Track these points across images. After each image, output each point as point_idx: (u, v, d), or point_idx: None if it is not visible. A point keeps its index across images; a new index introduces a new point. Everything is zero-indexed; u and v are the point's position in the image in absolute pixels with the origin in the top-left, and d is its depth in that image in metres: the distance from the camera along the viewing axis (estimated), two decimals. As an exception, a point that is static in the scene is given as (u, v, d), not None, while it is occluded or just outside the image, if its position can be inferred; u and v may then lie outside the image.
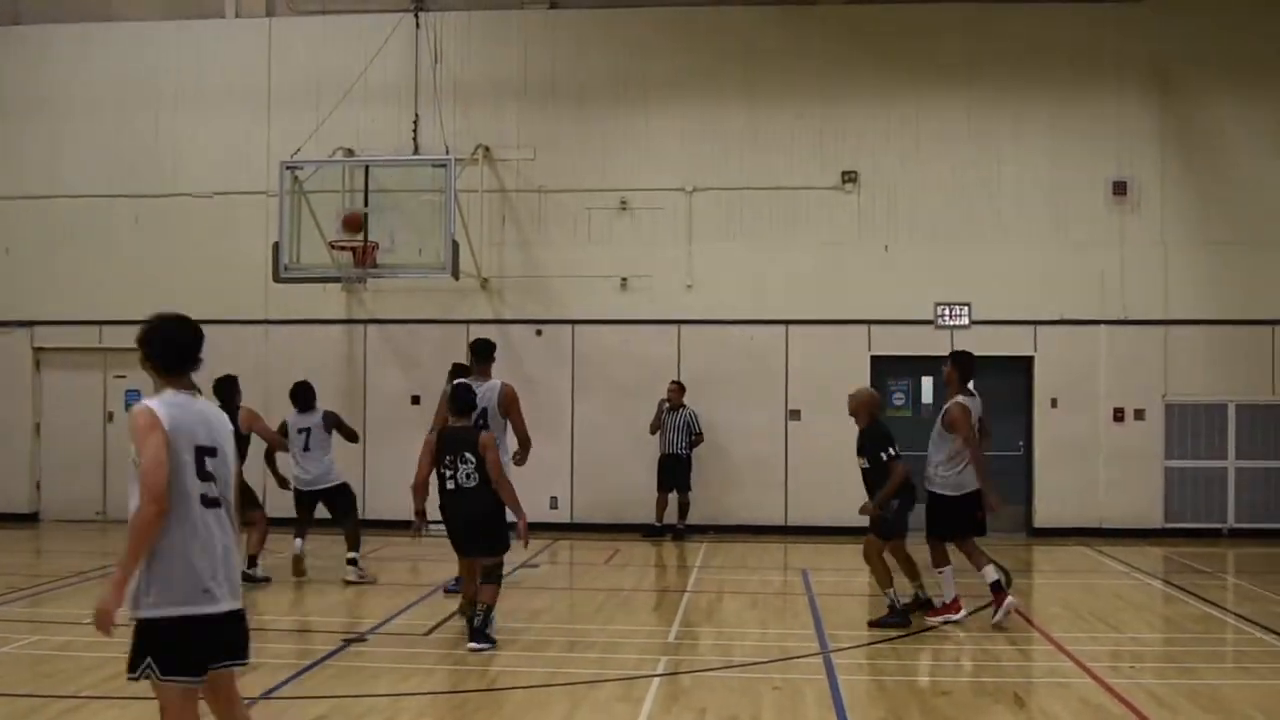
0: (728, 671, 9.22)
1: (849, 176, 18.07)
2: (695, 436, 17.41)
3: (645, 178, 18.18)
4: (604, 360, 18.11)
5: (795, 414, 17.72)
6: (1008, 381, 17.68)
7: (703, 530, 17.59)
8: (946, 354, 12.04)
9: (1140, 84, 17.83)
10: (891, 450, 10.91)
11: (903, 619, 10.97)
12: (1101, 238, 17.76)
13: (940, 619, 11.06)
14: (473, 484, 9.83)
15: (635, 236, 18.20)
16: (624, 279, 18.11)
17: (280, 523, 13.96)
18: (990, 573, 10.93)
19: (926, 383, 17.98)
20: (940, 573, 11.17)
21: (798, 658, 9.74)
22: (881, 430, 11.10)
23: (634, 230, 18.22)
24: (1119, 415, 17.73)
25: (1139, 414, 17.72)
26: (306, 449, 13.39)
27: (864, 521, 11.19)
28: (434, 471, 10.03)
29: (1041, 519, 17.70)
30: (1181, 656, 10.34)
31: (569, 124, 18.34)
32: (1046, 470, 17.75)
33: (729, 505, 17.92)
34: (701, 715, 7.99)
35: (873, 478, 11.00)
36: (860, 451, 11.10)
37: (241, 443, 12.59)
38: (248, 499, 12.74)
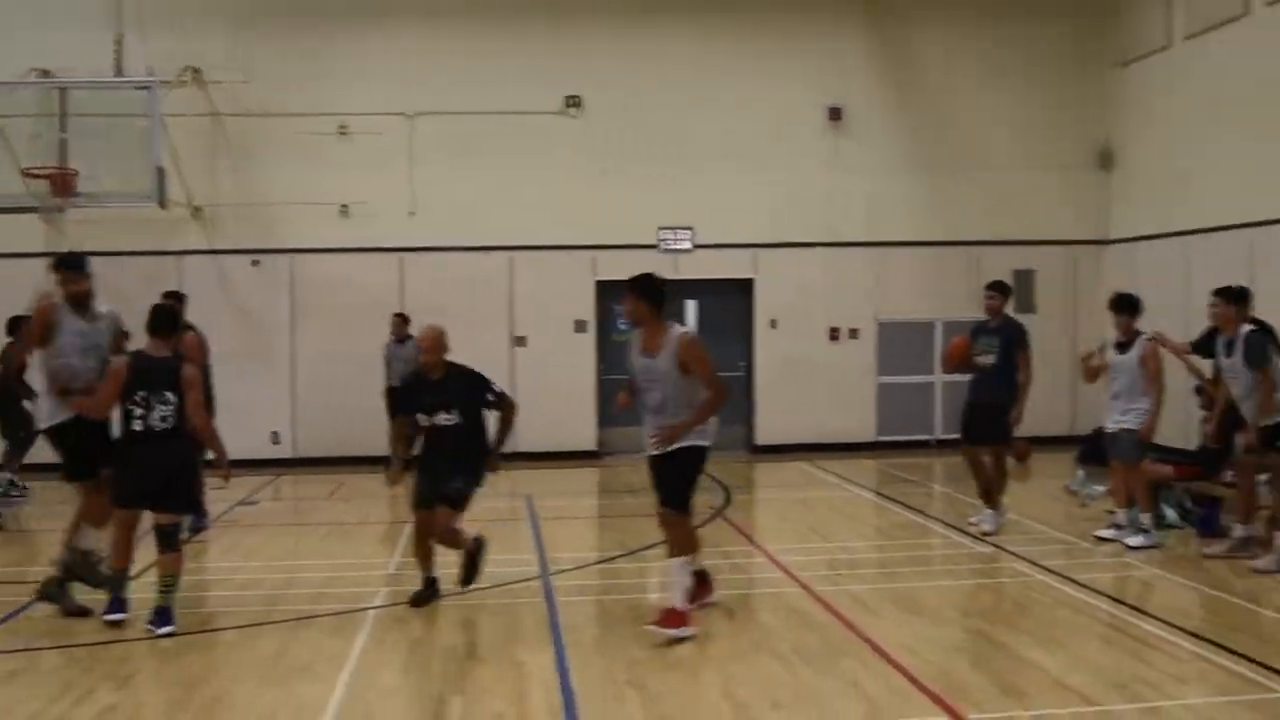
0: (446, 601, 9.11)
1: (572, 101, 17.99)
2: (422, 367, 17.13)
3: (365, 102, 17.64)
4: (325, 290, 17.63)
5: (520, 340, 17.68)
6: (730, 304, 18.07)
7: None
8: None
9: (856, 10, 18.29)
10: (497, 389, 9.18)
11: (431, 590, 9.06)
12: (818, 162, 18.25)
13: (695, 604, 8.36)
14: (168, 426, 8.35)
15: (355, 162, 17.65)
16: (344, 206, 17.61)
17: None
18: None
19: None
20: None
21: (518, 582, 9.76)
22: (479, 373, 9.21)
23: (354, 156, 17.67)
24: (835, 334, 18.37)
25: (854, 333, 18.41)
26: None
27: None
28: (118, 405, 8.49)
29: (763, 436, 18.22)
30: (888, 563, 10.81)
31: (284, 46, 17.56)
32: (767, 390, 18.26)
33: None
34: (416, 646, 7.91)
35: (462, 435, 8.95)
36: (446, 407, 8.90)
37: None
38: None
